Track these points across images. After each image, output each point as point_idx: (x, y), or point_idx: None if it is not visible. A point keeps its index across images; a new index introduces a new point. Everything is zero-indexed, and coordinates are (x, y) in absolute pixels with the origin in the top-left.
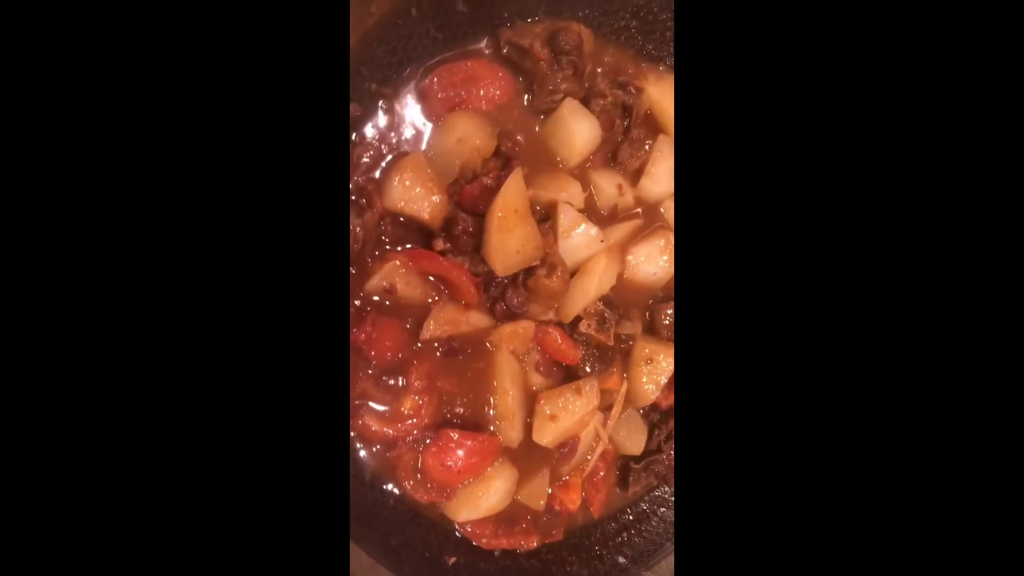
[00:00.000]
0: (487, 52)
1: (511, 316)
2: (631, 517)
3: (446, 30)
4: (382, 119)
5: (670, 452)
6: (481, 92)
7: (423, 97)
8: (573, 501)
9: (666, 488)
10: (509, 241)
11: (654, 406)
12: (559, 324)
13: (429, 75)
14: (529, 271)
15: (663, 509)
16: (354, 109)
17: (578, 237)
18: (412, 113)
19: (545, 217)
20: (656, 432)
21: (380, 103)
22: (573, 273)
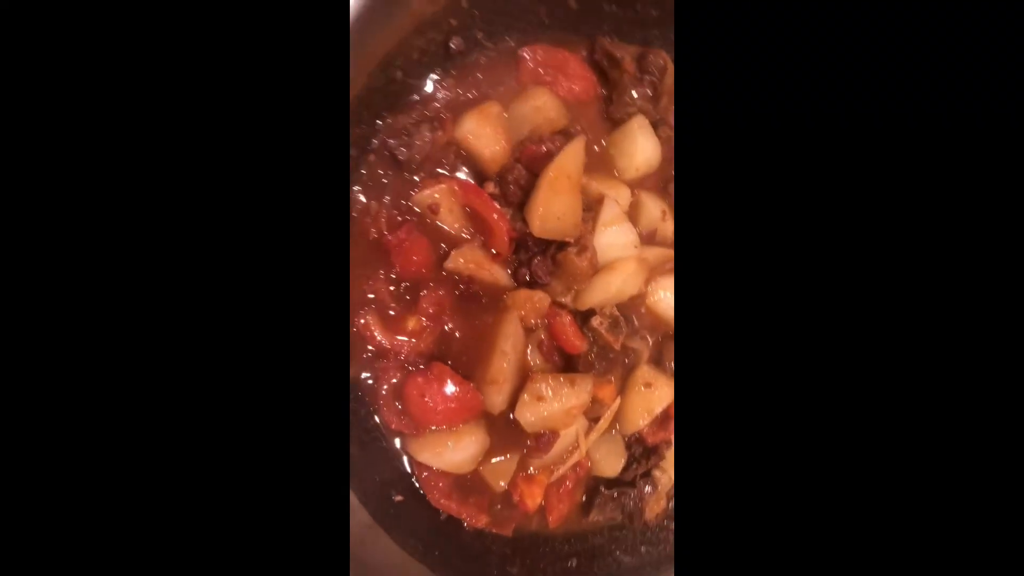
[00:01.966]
0: (583, 53)
1: (531, 284)
2: (585, 546)
3: (553, 18)
4: (476, 66)
5: (643, 490)
6: (567, 82)
7: (518, 64)
8: (533, 499)
9: (628, 532)
10: (555, 203)
11: (640, 438)
12: (573, 312)
13: (529, 47)
14: (561, 246)
15: (619, 552)
16: (458, 43)
17: (615, 234)
18: (503, 73)
19: (589, 208)
20: (634, 465)
21: (479, 51)
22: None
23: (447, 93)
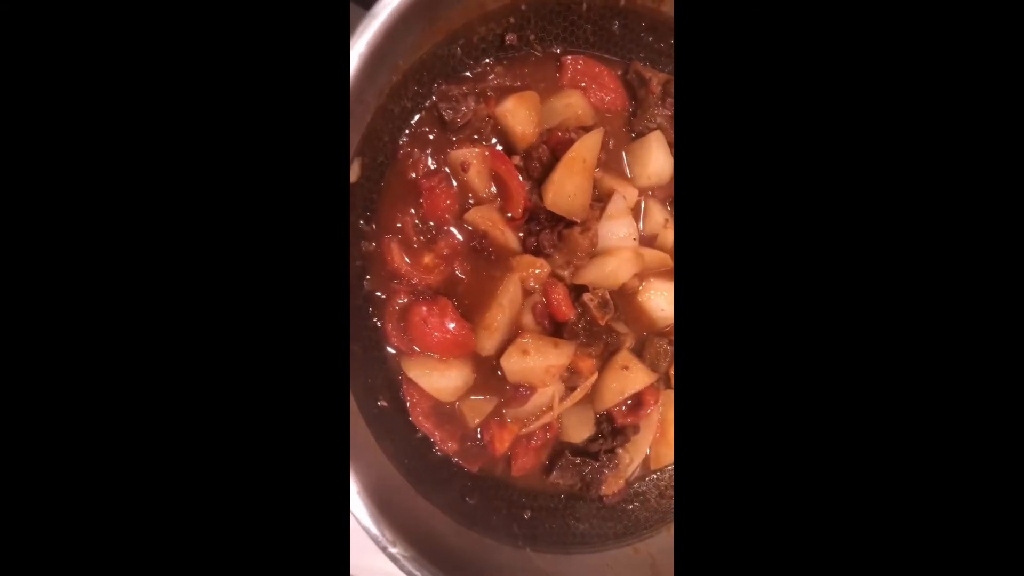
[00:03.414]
0: (618, 71)
1: (536, 253)
2: (542, 504)
3: (597, 37)
4: (525, 62)
5: (604, 465)
6: (599, 92)
7: (561, 68)
8: (502, 443)
9: (584, 504)
10: (568, 181)
11: (610, 416)
12: (569, 285)
13: (572, 56)
14: (569, 224)
15: (573, 520)
16: (513, 39)
17: (618, 225)
18: (547, 73)
19: (600, 199)
20: (600, 440)
21: (529, 51)
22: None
23: (496, 77)
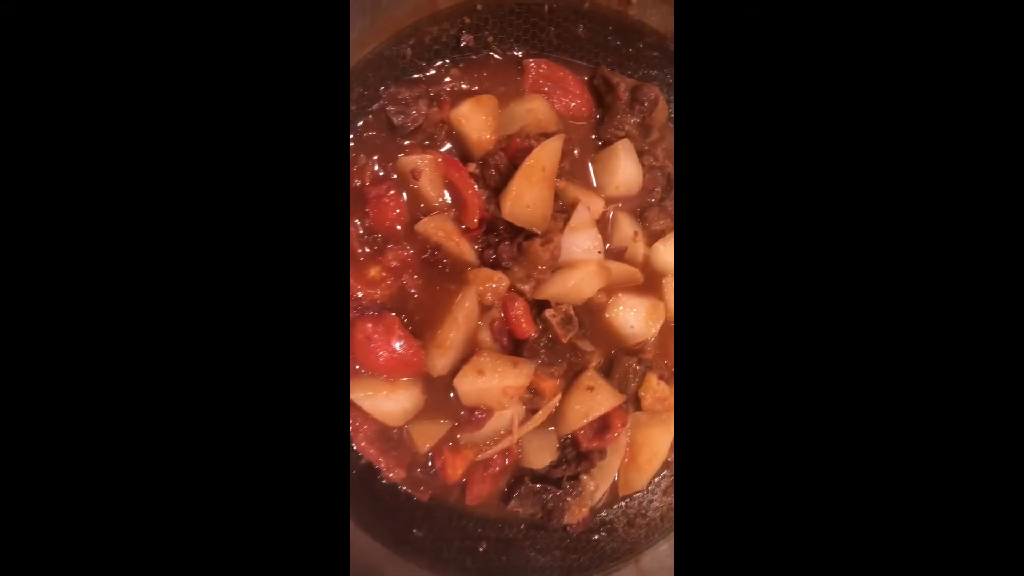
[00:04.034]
0: (584, 77)
1: (495, 266)
2: (499, 535)
3: (561, 40)
4: (484, 66)
5: (567, 492)
6: (564, 97)
7: (523, 70)
8: (455, 470)
9: (546, 533)
10: (527, 191)
11: (574, 441)
12: (530, 300)
13: (534, 59)
14: (529, 236)
15: (533, 551)
16: (469, 40)
17: (582, 237)
18: (507, 77)
19: (564, 210)
20: (564, 465)
21: (489, 51)
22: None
23: (452, 80)
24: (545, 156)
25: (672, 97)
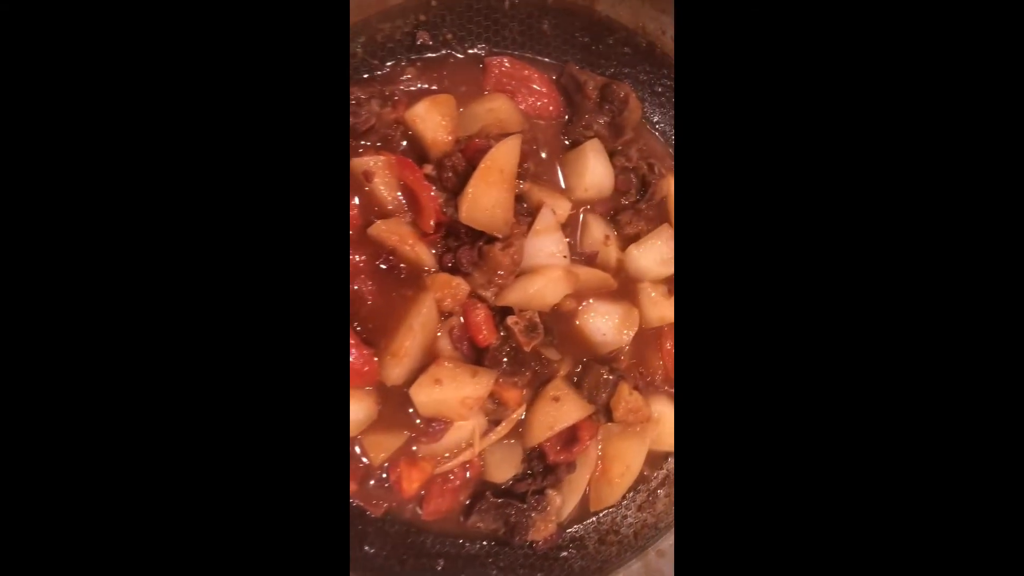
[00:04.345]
0: (552, 75)
1: (454, 271)
2: (458, 551)
3: (526, 38)
4: (443, 65)
5: (532, 507)
6: (529, 97)
7: (484, 69)
8: (411, 484)
9: (510, 551)
10: (485, 194)
11: (541, 453)
12: (493, 307)
13: (497, 57)
14: (490, 240)
15: (495, 571)
16: (425, 37)
17: (546, 240)
18: (468, 76)
19: (530, 213)
20: (529, 479)
21: (448, 50)
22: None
23: (408, 80)
24: (502, 156)
25: (645, 95)
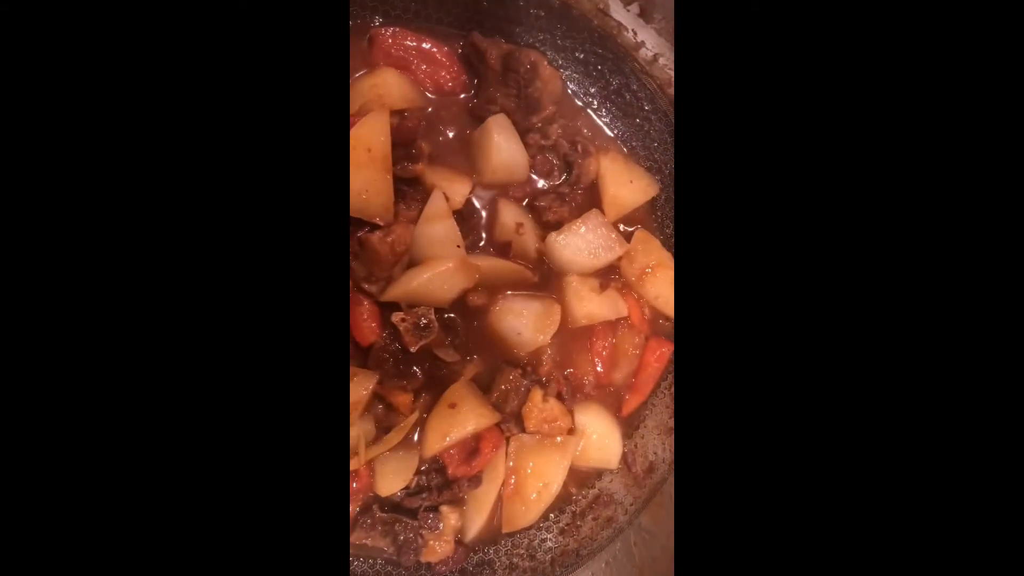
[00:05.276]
0: (459, 48)
1: None
2: None
3: (422, 5)
4: None
5: (423, 524)
6: (431, 70)
7: (371, 41)
8: None
9: (405, 573)
10: (353, 177)
11: (440, 467)
12: (379, 303)
13: (385, 28)
14: (374, 228)
15: None
16: None
17: (437, 228)
18: (352, 48)
19: (423, 200)
20: (424, 494)
21: None
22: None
23: None
24: (367, 134)
25: (568, 63)
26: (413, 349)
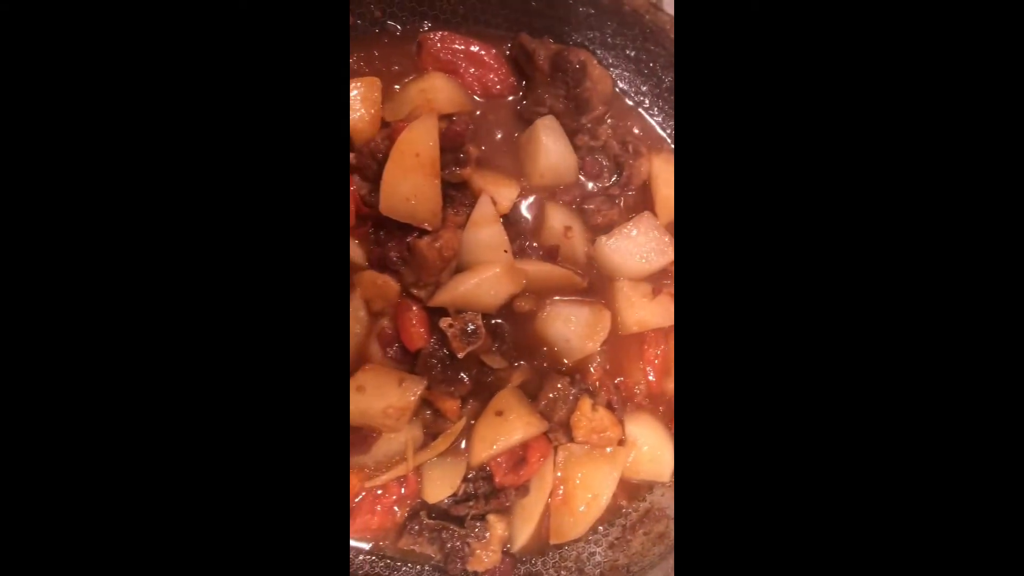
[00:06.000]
0: (506, 48)
1: (382, 267)
2: (387, 572)
3: (470, 8)
4: (374, 44)
5: (471, 533)
6: (479, 73)
7: (419, 46)
8: None
9: None
10: (401, 182)
11: (488, 475)
12: (428, 308)
13: (434, 32)
14: (422, 234)
15: None
16: (355, 18)
17: (484, 233)
18: (403, 55)
19: (471, 204)
20: (471, 502)
21: (380, 30)
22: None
23: None
24: (417, 139)
25: (618, 61)
26: (460, 355)
